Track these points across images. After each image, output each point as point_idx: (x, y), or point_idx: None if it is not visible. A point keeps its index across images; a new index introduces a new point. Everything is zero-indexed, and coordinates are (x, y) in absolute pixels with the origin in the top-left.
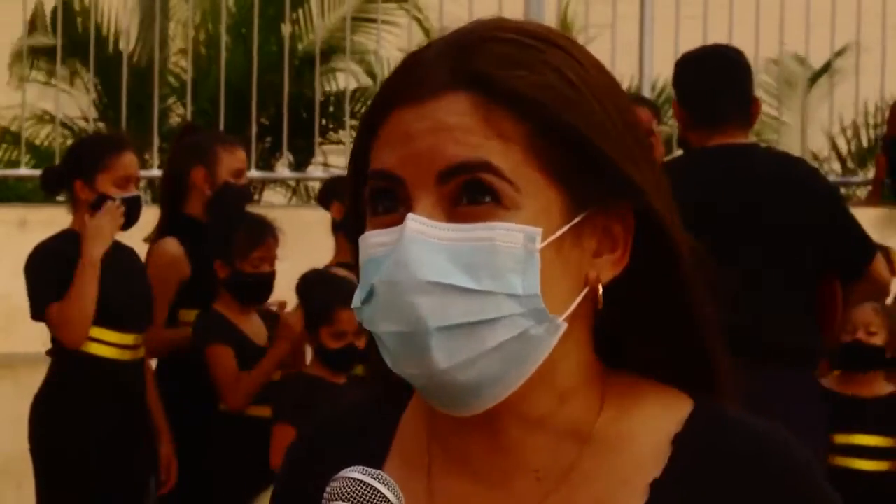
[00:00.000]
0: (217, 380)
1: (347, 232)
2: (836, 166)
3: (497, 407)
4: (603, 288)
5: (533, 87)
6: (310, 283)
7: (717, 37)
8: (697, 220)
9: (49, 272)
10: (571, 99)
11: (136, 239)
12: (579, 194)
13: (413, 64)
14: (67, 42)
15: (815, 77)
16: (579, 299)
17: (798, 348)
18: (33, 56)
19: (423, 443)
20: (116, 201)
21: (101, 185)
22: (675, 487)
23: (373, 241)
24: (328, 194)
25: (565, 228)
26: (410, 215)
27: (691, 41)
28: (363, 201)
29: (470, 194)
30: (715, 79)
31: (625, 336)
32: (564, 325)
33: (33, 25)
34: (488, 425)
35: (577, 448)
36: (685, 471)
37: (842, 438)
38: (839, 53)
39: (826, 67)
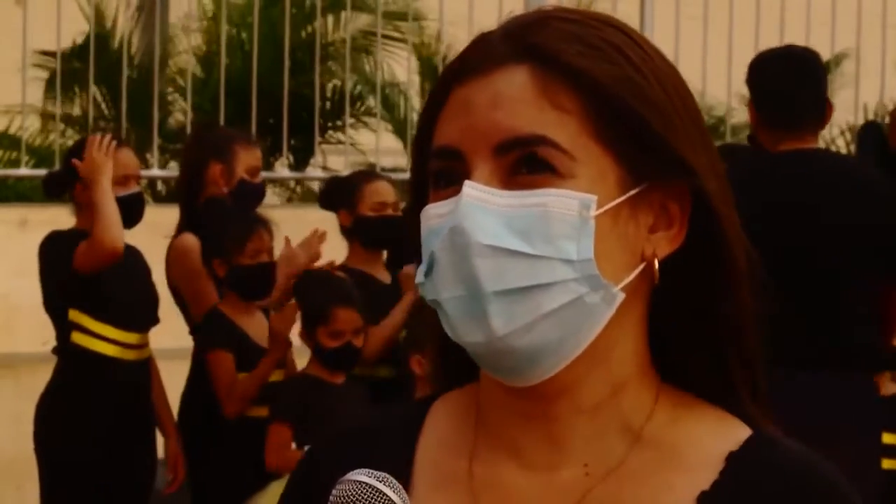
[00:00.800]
0: (215, 386)
1: (408, 216)
2: None
3: (552, 389)
4: (661, 271)
5: (590, 61)
6: (306, 283)
7: (717, 37)
8: (765, 224)
9: (53, 270)
10: (628, 76)
11: (140, 237)
12: (636, 169)
13: (476, 42)
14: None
15: None
16: (636, 273)
17: (857, 352)
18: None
19: (466, 433)
20: (99, 136)
21: None
22: (721, 503)
23: (432, 212)
24: (333, 199)
25: (622, 199)
26: (467, 182)
27: (691, 41)
28: (426, 181)
29: (529, 166)
30: (791, 81)
31: (674, 334)
32: (621, 296)
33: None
34: (543, 411)
35: (627, 445)
36: (734, 489)
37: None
38: (838, 62)
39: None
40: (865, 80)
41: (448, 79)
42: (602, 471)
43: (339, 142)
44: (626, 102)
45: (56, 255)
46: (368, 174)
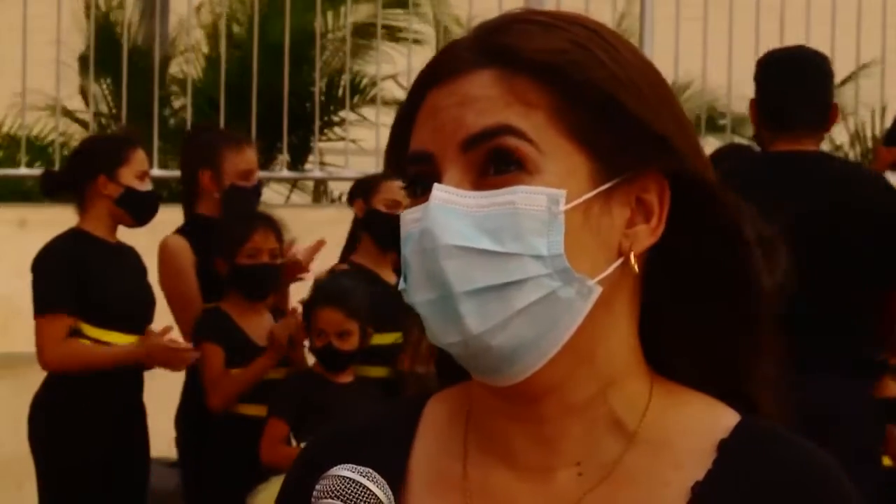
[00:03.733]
0: (202, 377)
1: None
2: None
3: (539, 389)
4: (646, 264)
5: (553, 54)
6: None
7: (716, 37)
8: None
9: (53, 276)
10: (591, 62)
11: (140, 237)
12: (608, 161)
13: (444, 50)
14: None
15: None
16: (612, 267)
17: (855, 358)
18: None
19: (458, 431)
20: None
21: (124, 178)
22: (716, 492)
23: (408, 218)
24: (354, 192)
25: (592, 193)
26: (436, 185)
27: (691, 41)
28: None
29: (496, 164)
30: (789, 81)
31: (665, 326)
32: (597, 289)
33: None
34: (530, 412)
35: (621, 443)
36: (728, 477)
37: None
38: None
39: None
40: (864, 79)
41: (419, 87)
42: (596, 471)
43: (341, 138)
44: (596, 86)
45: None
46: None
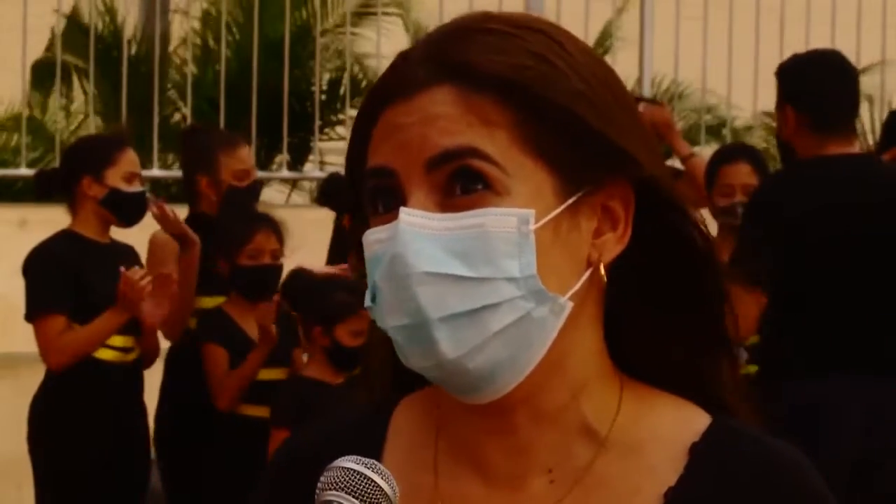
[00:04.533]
0: (208, 379)
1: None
2: None
3: (511, 400)
4: (611, 271)
5: (511, 70)
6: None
7: (717, 37)
8: (829, 226)
9: (46, 277)
10: (550, 75)
11: (139, 238)
12: (572, 175)
13: (399, 63)
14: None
15: None
16: (582, 280)
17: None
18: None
19: (428, 437)
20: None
21: (110, 179)
22: (688, 496)
23: (371, 238)
24: (329, 196)
25: (560, 209)
26: (403, 209)
27: (691, 41)
28: (364, 205)
29: (462, 183)
30: (839, 84)
31: (632, 330)
32: (569, 305)
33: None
34: (502, 422)
35: (592, 449)
36: (700, 481)
37: None
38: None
39: None
40: (863, 78)
41: (375, 101)
42: (567, 477)
43: (342, 138)
44: (556, 102)
45: (40, 272)
46: None
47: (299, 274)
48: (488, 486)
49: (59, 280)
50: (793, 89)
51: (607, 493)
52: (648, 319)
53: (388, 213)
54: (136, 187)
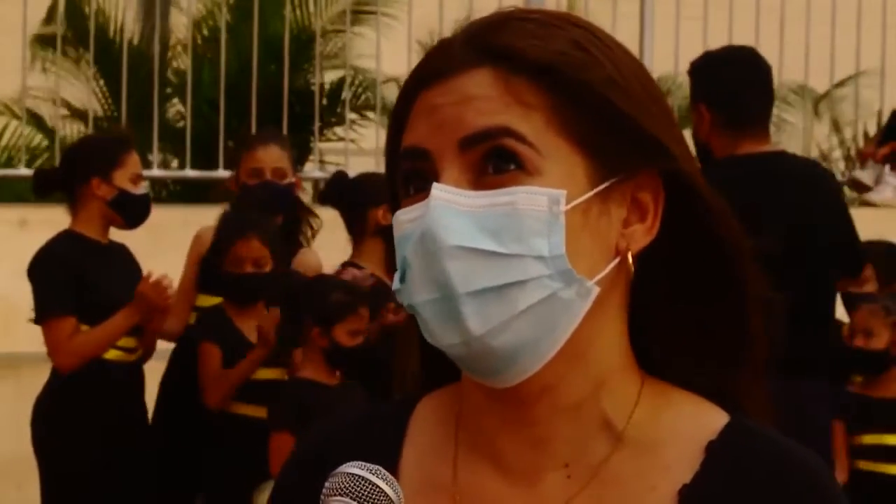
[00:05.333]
0: (200, 377)
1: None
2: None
3: (532, 389)
4: (638, 264)
5: (550, 55)
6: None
7: (717, 37)
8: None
9: (53, 280)
10: (588, 62)
11: (138, 238)
12: (605, 161)
13: (438, 48)
14: (73, 36)
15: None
16: (610, 267)
17: (823, 356)
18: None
19: (448, 433)
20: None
21: (118, 181)
22: (703, 494)
23: (403, 217)
24: (332, 195)
25: (591, 193)
26: (435, 185)
27: (691, 41)
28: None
29: (495, 163)
30: (751, 81)
31: (656, 326)
32: (596, 289)
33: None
34: (522, 413)
35: (609, 445)
36: (715, 479)
37: (870, 439)
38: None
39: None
40: (865, 78)
41: (412, 85)
42: (584, 472)
43: (340, 138)
44: (592, 88)
45: (47, 275)
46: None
47: (295, 274)
48: (505, 480)
49: (64, 282)
50: (706, 88)
51: (623, 490)
52: (672, 314)
53: (420, 193)
54: (141, 189)
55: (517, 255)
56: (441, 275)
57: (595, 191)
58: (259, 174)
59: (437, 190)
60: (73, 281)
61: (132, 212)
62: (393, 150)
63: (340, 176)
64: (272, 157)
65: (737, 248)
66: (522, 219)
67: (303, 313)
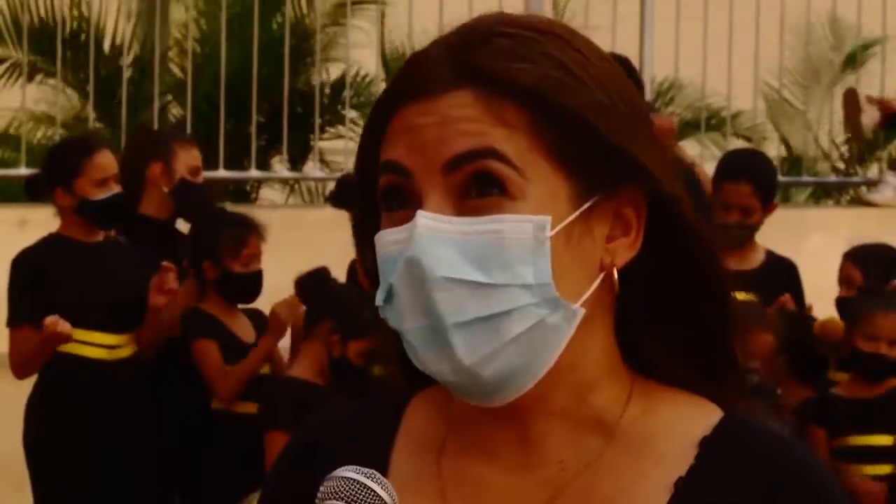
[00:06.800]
0: (205, 374)
1: (355, 233)
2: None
3: (523, 401)
4: (623, 277)
5: (532, 77)
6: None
7: (717, 37)
8: None
9: (21, 286)
10: (570, 85)
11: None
12: (587, 181)
13: (417, 62)
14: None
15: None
16: (595, 285)
17: None
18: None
19: (439, 430)
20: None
21: (80, 189)
22: (698, 488)
23: (387, 239)
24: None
25: (575, 215)
26: (420, 212)
27: (691, 41)
28: (372, 200)
29: (478, 187)
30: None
31: (644, 333)
32: (582, 311)
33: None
34: (514, 419)
35: (602, 441)
36: (709, 473)
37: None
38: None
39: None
40: (866, 78)
41: (389, 99)
42: (578, 466)
43: (339, 136)
44: (573, 111)
45: (16, 279)
46: None
47: (331, 279)
48: (496, 472)
49: (30, 291)
50: None
51: (616, 479)
52: (658, 325)
53: (401, 211)
54: (109, 190)
55: (504, 284)
56: (429, 305)
57: (578, 212)
58: (198, 172)
59: (423, 218)
60: (40, 287)
61: (97, 216)
62: (366, 160)
63: (348, 178)
64: (199, 155)
65: (714, 269)
66: (508, 247)
67: (330, 317)
